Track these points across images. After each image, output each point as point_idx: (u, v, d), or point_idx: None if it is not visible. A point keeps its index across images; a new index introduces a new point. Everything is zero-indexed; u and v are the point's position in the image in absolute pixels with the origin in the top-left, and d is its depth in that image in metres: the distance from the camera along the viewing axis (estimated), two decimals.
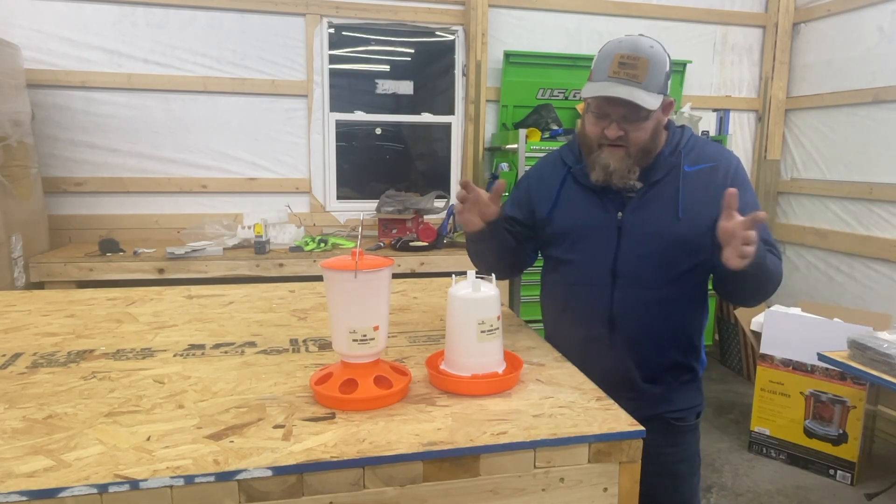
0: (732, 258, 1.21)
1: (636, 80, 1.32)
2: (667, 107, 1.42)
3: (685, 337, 1.49)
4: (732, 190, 1.23)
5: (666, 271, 1.42)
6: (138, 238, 3.60)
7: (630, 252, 1.43)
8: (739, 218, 1.21)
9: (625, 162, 1.39)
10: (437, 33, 4.05)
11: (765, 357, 3.12)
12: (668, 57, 1.39)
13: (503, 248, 1.54)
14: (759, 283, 1.35)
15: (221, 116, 3.71)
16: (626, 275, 1.44)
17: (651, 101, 1.33)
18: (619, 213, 1.45)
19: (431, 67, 4.18)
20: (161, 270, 3.07)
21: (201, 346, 1.40)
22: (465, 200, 1.41)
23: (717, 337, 4.48)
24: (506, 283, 3.52)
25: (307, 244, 3.38)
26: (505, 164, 3.82)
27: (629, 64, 1.32)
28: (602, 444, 0.99)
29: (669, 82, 1.40)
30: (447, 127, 4.14)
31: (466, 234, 1.51)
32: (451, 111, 4.13)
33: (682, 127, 1.51)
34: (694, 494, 1.58)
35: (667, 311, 1.45)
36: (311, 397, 1.10)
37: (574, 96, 3.92)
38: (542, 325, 1.68)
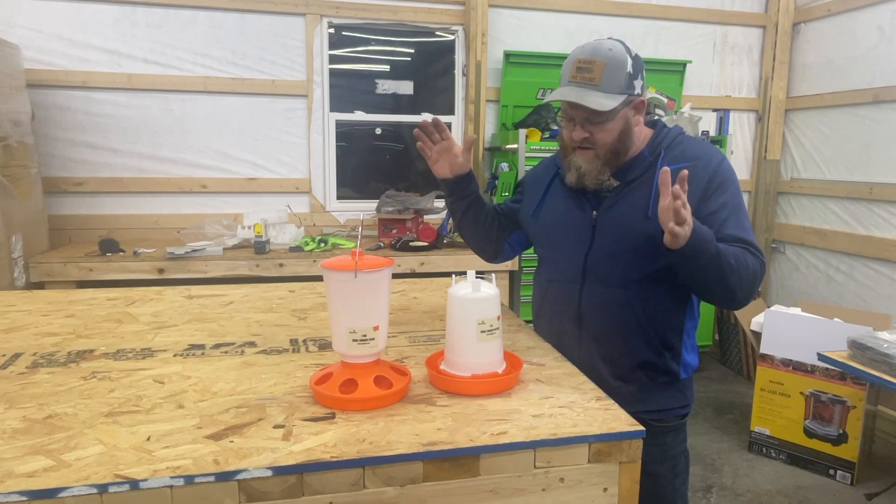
0: (667, 234, 1.22)
1: (592, 82, 1.37)
2: (637, 106, 1.43)
3: (658, 337, 1.47)
4: (665, 169, 1.23)
5: (635, 270, 1.42)
6: (138, 238, 3.60)
7: (601, 250, 1.45)
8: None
9: (594, 163, 1.43)
10: (437, 33, 4.05)
11: (765, 357, 3.12)
12: (632, 57, 1.39)
13: (478, 220, 1.65)
14: (711, 273, 1.30)
15: (221, 116, 3.71)
16: (595, 272, 1.46)
17: (606, 102, 1.35)
18: (594, 212, 1.47)
19: (431, 67, 4.18)
20: (161, 270, 3.07)
21: (201, 346, 1.40)
22: (426, 131, 1.56)
23: (717, 337, 4.48)
24: (506, 283, 3.52)
25: (307, 244, 3.38)
26: (505, 164, 3.82)
27: (585, 68, 1.38)
28: (602, 444, 0.99)
29: (638, 82, 1.40)
30: (447, 127, 4.13)
31: (440, 181, 1.63)
32: (451, 111, 4.13)
33: (671, 127, 1.52)
34: (678, 496, 1.56)
35: (635, 309, 1.44)
36: (311, 397, 1.10)
37: None
38: None
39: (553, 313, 1.56)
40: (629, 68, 1.38)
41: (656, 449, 1.52)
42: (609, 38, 1.42)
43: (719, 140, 4.10)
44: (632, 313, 1.44)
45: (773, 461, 3.11)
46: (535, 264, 1.70)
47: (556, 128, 3.75)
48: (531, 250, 1.72)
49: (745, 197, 4.58)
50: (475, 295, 1.16)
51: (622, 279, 1.44)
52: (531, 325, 1.64)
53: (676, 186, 1.18)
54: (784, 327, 3.06)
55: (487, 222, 1.66)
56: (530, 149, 3.50)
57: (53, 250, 3.27)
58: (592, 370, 1.45)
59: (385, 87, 4.09)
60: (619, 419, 1.04)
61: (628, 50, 1.40)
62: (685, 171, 1.21)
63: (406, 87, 4.11)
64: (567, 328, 1.51)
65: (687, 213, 1.20)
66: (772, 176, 4.49)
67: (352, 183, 4.09)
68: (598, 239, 1.46)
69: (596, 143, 1.41)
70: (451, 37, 4.06)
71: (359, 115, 4.02)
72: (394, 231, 3.63)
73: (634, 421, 1.03)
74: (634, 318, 1.45)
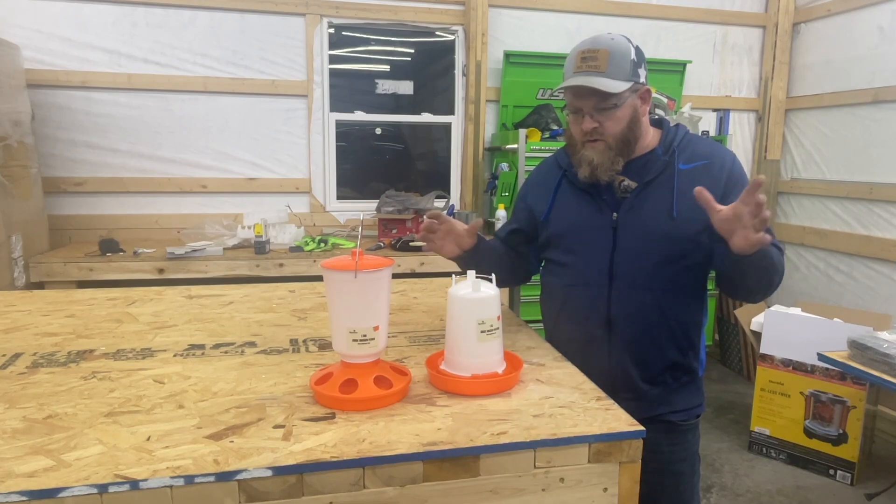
0: (742, 242, 1.17)
1: (598, 69, 1.36)
2: (644, 95, 1.43)
3: (684, 336, 1.48)
4: (699, 188, 1.22)
5: (662, 271, 1.42)
6: (138, 238, 3.60)
7: (626, 252, 1.43)
8: (731, 205, 1.18)
9: (606, 154, 1.41)
10: (437, 33, 4.05)
11: (765, 357, 3.12)
12: (634, 46, 1.40)
13: (495, 263, 1.52)
14: (763, 273, 1.32)
15: (221, 116, 3.71)
16: (622, 275, 1.44)
17: (614, 85, 1.36)
18: (614, 214, 1.45)
19: (431, 67, 4.18)
20: (161, 270, 3.07)
21: (201, 346, 1.39)
22: (432, 231, 1.45)
23: (717, 337, 4.48)
24: None
25: (307, 244, 3.38)
26: (505, 164, 3.82)
27: (590, 57, 1.38)
28: (602, 444, 0.99)
29: (642, 70, 1.41)
30: (447, 127, 4.14)
31: (451, 259, 1.51)
32: (451, 111, 4.13)
33: (677, 125, 1.52)
34: (694, 493, 1.59)
35: (664, 310, 1.44)
36: (311, 397, 1.10)
37: None
38: (542, 325, 1.68)
39: (577, 319, 1.51)
40: (633, 56, 1.39)
41: (680, 448, 1.54)
42: (609, 33, 1.43)
43: (719, 140, 4.10)
44: (661, 314, 1.44)
45: (773, 461, 3.11)
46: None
47: (556, 128, 3.75)
48: None
49: None
50: (475, 295, 1.16)
51: (650, 281, 1.43)
52: (531, 325, 1.63)
53: (762, 195, 1.13)
54: (784, 327, 3.06)
55: (507, 261, 1.60)
56: (530, 149, 3.50)
57: (53, 250, 3.27)
58: (624, 375, 1.46)
59: (385, 87, 4.08)
60: (619, 419, 1.04)
61: (629, 40, 1.41)
62: (762, 178, 1.17)
63: (406, 87, 4.11)
64: (596, 334, 1.47)
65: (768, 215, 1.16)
66: (772, 176, 4.49)
67: (352, 183, 4.09)
68: (622, 241, 1.44)
69: (605, 133, 1.40)
70: (451, 37, 4.06)
71: (359, 115, 4.01)
72: (394, 231, 3.63)
73: (634, 421, 1.03)
74: (664, 319, 1.45)
